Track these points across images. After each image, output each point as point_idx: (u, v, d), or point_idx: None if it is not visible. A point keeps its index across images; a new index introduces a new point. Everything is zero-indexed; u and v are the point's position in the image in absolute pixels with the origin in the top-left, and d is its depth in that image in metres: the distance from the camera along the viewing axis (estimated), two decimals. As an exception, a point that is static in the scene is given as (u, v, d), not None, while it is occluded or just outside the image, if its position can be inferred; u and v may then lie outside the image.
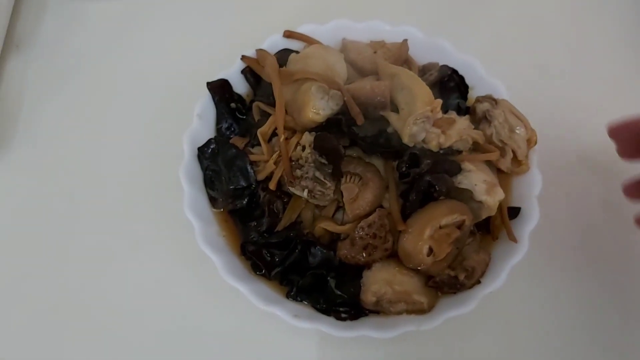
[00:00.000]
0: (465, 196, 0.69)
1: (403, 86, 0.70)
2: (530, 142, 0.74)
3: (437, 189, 0.66)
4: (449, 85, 0.78)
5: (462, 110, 0.78)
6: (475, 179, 0.69)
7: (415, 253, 0.65)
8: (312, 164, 0.67)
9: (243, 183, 0.70)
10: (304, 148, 0.68)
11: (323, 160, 0.67)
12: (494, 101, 0.76)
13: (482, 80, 0.80)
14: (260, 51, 0.78)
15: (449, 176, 0.69)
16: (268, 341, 0.72)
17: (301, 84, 0.71)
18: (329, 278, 0.68)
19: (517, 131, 0.74)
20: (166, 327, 0.72)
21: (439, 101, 0.68)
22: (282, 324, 0.65)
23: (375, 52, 0.81)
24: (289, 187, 0.69)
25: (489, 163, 0.74)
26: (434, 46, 0.81)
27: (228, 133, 0.76)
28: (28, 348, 0.71)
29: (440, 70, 0.78)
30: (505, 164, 0.73)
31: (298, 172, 0.68)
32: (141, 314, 0.73)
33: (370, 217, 0.66)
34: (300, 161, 0.68)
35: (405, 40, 0.80)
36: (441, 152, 0.70)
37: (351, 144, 0.70)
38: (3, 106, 0.86)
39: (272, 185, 0.68)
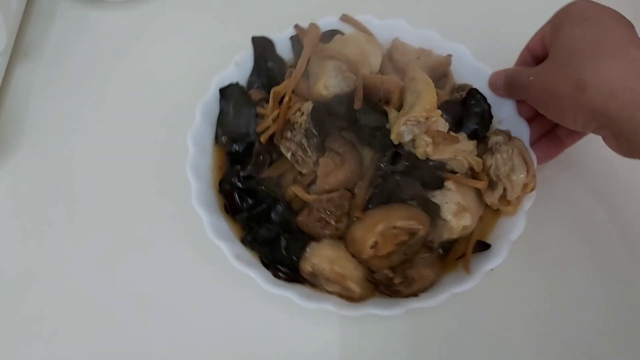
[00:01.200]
0: (434, 211, 0.70)
1: (416, 89, 0.72)
2: (527, 187, 0.73)
3: (403, 190, 0.68)
4: (473, 110, 0.78)
5: (478, 138, 0.77)
6: (449, 198, 0.70)
7: (361, 241, 0.67)
8: (302, 131, 0.71)
9: (244, 130, 0.76)
10: (302, 114, 0.72)
11: (314, 131, 0.71)
12: (508, 137, 0.76)
13: (511, 117, 0.79)
14: (312, 24, 0.83)
15: (428, 188, 0.70)
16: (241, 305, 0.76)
17: (327, 60, 0.75)
18: (282, 238, 0.72)
19: (518, 173, 0.73)
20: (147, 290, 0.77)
21: (438, 112, 0.69)
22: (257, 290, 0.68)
23: (418, 58, 0.83)
24: (276, 143, 0.73)
25: (478, 194, 0.73)
26: (477, 70, 0.82)
27: (255, 86, 0.81)
28: (34, 349, 0.73)
29: (469, 92, 0.79)
30: (491, 198, 0.73)
31: (288, 134, 0.72)
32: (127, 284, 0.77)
33: (333, 194, 0.69)
34: (296, 125, 0.72)
35: (449, 56, 0.81)
36: (430, 163, 0.70)
37: (349, 127, 0.73)
38: (11, 112, 0.87)
39: (263, 138, 0.73)
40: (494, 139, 0.76)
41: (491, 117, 0.79)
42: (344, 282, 0.69)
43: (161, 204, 0.82)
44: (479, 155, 0.75)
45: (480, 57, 0.83)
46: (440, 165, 0.72)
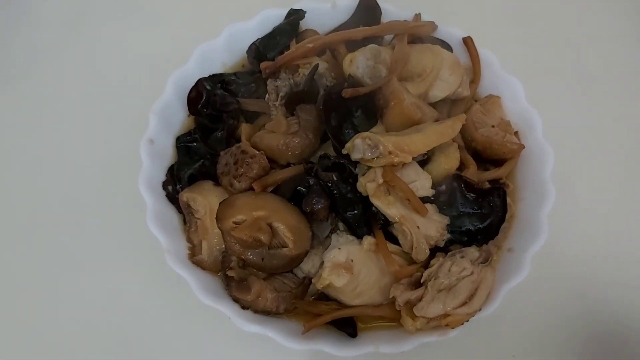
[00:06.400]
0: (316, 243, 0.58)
1: (430, 127, 0.59)
2: (444, 319, 0.55)
3: (310, 198, 0.56)
4: (485, 209, 0.61)
5: (460, 241, 0.61)
6: (343, 245, 0.56)
7: (233, 209, 0.58)
8: (292, 82, 0.64)
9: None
10: (315, 68, 0.63)
11: (300, 89, 0.63)
12: (484, 260, 0.58)
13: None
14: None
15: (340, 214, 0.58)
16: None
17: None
18: (203, 161, 0.66)
19: (450, 298, 0.55)
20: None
21: (409, 158, 0.55)
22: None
23: (493, 127, 0.67)
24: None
25: (389, 276, 0.59)
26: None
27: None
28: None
29: (499, 190, 0.61)
30: (400, 294, 0.57)
31: (282, 75, 0.65)
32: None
33: (253, 151, 0.60)
34: (300, 70, 0.65)
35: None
36: (359, 195, 0.58)
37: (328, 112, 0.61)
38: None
39: (278, 57, 0.67)
40: (464, 249, 0.58)
41: (494, 235, 0.61)
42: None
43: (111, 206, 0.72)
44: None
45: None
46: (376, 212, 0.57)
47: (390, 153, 0.55)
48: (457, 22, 0.73)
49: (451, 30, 0.72)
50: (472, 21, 0.78)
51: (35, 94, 0.80)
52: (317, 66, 0.63)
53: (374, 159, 0.55)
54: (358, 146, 0.56)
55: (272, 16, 0.74)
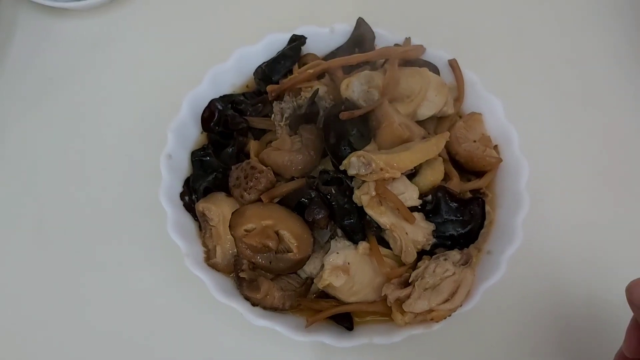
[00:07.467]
0: (317, 248, 0.66)
1: (415, 146, 0.66)
2: (429, 314, 0.63)
3: (312, 208, 0.64)
4: (466, 216, 0.68)
5: (444, 245, 0.68)
6: (341, 250, 0.64)
7: (244, 218, 0.66)
8: (295, 104, 0.71)
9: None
10: (315, 93, 0.71)
11: (302, 111, 0.70)
12: (464, 263, 0.66)
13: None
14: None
15: (339, 223, 0.66)
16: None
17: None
18: (215, 173, 0.74)
19: (434, 295, 0.63)
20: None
21: (398, 174, 0.63)
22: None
23: (474, 141, 0.75)
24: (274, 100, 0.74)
25: (380, 276, 0.67)
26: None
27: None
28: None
29: (478, 200, 0.69)
30: (391, 292, 0.64)
31: (286, 98, 0.72)
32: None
33: (260, 166, 0.68)
34: (302, 93, 0.72)
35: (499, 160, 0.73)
36: (355, 206, 0.65)
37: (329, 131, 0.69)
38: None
39: (282, 81, 0.75)
40: (448, 252, 0.66)
41: (474, 240, 0.69)
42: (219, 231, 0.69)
43: (134, 220, 0.79)
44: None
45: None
46: (370, 220, 0.65)
47: (381, 169, 0.63)
48: (445, 43, 0.80)
49: (438, 53, 0.79)
50: (458, 43, 0.86)
51: (61, 113, 0.87)
52: (317, 91, 0.70)
53: (367, 174, 0.63)
54: (354, 163, 0.64)
55: (276, 40, 0.81)
